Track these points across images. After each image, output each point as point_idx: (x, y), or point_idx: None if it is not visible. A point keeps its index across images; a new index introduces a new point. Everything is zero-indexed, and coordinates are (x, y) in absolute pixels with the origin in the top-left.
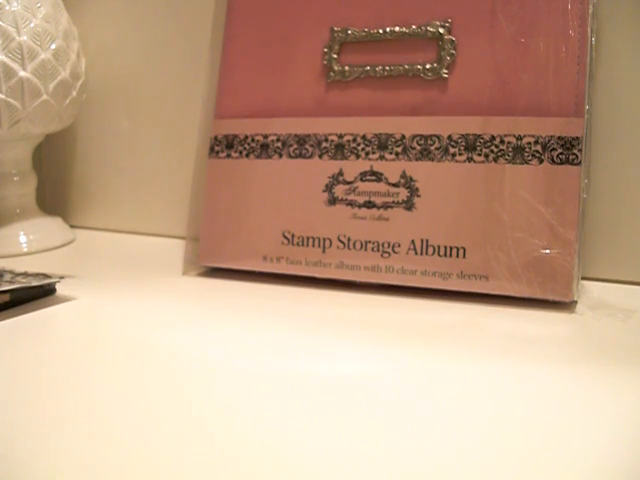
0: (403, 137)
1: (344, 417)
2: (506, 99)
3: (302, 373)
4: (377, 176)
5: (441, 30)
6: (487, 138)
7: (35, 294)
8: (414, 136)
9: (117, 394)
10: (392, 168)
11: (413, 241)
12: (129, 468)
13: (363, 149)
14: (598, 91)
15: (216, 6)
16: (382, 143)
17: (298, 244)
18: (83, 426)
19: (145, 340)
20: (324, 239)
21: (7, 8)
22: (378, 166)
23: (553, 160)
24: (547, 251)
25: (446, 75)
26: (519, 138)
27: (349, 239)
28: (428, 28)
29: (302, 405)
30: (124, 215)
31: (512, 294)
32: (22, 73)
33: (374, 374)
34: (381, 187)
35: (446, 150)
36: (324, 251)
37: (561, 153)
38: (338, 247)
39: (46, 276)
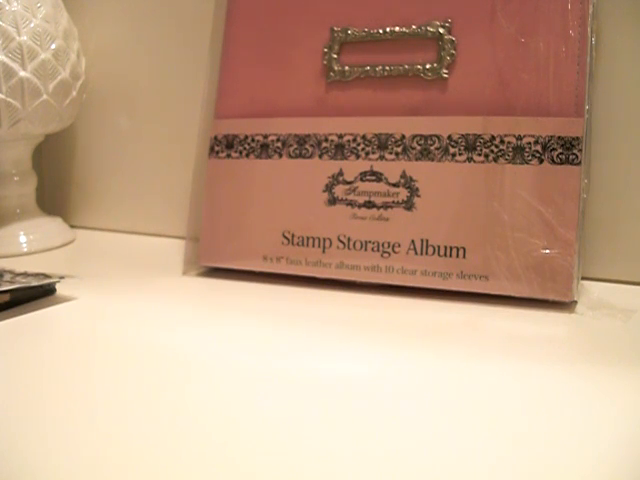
0: (403, 137)
1: (344, 417)
2: (506, 99)
3: (302, 373)
4: (377, 176)
5: (441, 30)
6: (487, 138)
7: (35, 294)
8: (414, 136)
9: (117, 394)
10: (392, 168)
11: (413, 241)
12: (129, 468)
13: (363, 149)
14: (598, 91)
15: (216, 6)
16: (382, 143)
17: (298, 244)
18: (83, 426)
19: (145, 340)
20: (324, 239)
21: (7, 8)
22: (378, 166)
23: (553, 160)
24: (547, 251)
25: (446, 75)
26: (519, 138)
27: (349, 239)
28: (428, 28)
29: (302, 405)
30: (124, 215)
31: (512, 294)
32: (22, 73)
33: (374, 374)
34: (381, 187)
35: (446, 150)
36: (324, 251)
37: (561, 153)
38: (338, 247)
39: (46, 276)
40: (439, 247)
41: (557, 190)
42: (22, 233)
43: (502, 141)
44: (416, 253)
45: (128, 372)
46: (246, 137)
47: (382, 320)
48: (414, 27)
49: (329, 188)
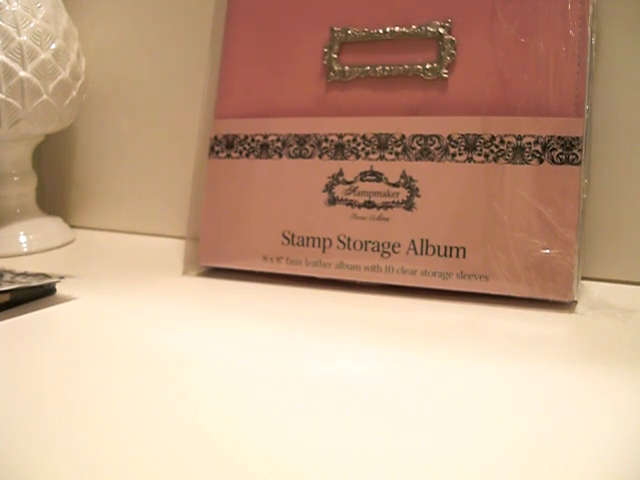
0: (403, 137)
1: (344, 417)
2: (506, 99)
3: (302, 373)
4: (377, 176)
5: (441, 30)
6: (487, 138)
7: (35, 294)
8: (414, 136)
9: (117, 394)
10: (392, 168)
11: (413, 241)
12: (129, 468)
13: (363, 149)
14: (598, 91)
15: (216, 6)
16: (382, 143)
17: (298, 244)
18: (83, 426)
19: (145, 340)
20: (324, 239)
21: (7, 8)
22: (378, 166)
23: (553, 160)
24: (547, 251)
25: (446, 75)
26: (519, 138)
27: (349, 239)
28: (428, 28)
29: (302, 405)
30: (124, 215)
31: (512, 294)
32: (22, 73)
33: (374, 374)
34: (381, 187)
35: (446, 150)
36: (324, 251)
37: (561, 153)
38: (338, 247)
39: (46, 276)
40: (439, 247)
41: (557, 190)
42: (22, 233)
43: (502, 141)
44: (416, 253)
45: (128, 372)
46: (246, 137)
47: (382, 320)
48: (414, 27)
49: (329, 188)
